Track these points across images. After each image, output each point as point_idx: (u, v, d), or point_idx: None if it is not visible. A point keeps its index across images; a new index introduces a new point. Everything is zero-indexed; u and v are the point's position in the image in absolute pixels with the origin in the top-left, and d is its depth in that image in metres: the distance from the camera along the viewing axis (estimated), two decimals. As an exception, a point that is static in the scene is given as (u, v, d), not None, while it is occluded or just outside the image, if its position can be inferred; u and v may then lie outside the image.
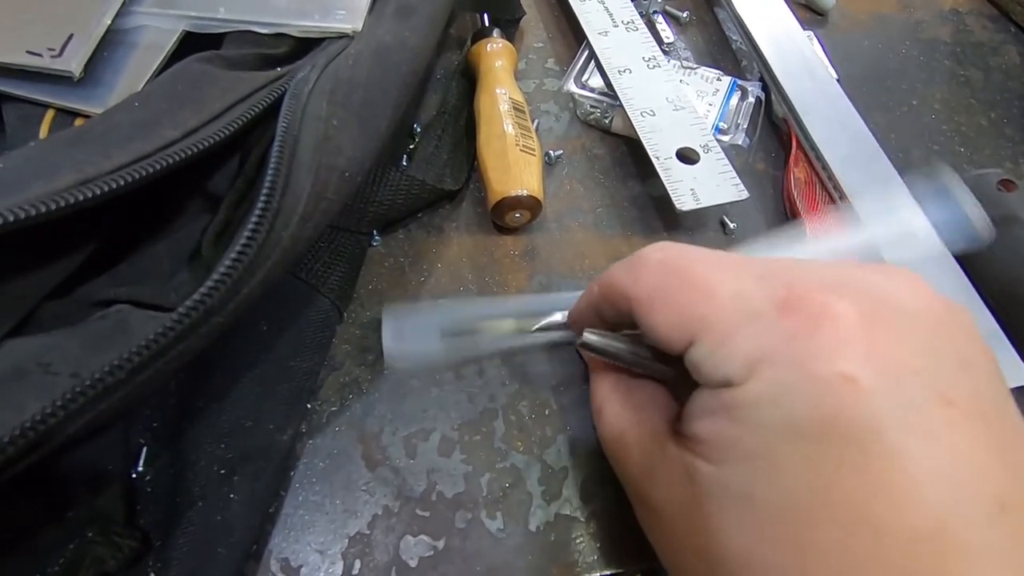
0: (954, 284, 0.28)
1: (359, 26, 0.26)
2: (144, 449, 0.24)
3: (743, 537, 0.15)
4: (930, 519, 0.13)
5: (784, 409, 0.14)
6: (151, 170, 0.18)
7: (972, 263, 0.28)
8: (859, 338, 0.14)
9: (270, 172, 0.18)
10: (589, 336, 0.21)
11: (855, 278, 0.16)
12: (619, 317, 0.21)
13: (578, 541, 0.24)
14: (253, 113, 0.21)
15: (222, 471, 0.23)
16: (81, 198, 0.16)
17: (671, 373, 0.21)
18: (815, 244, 0.28)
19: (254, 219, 0.17)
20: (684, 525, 0.17)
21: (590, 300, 0.23)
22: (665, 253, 0.19)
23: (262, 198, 0.17)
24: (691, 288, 0.17)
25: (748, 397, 0.15)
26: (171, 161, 0.18)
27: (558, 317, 0.27)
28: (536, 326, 0.27)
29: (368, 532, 0.24)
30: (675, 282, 0.18)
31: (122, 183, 0.17)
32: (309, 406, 0.26)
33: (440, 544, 0.24)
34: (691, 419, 0.17)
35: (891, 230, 0.28)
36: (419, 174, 0.29)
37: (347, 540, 0.24)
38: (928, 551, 0.13)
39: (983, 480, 0.13)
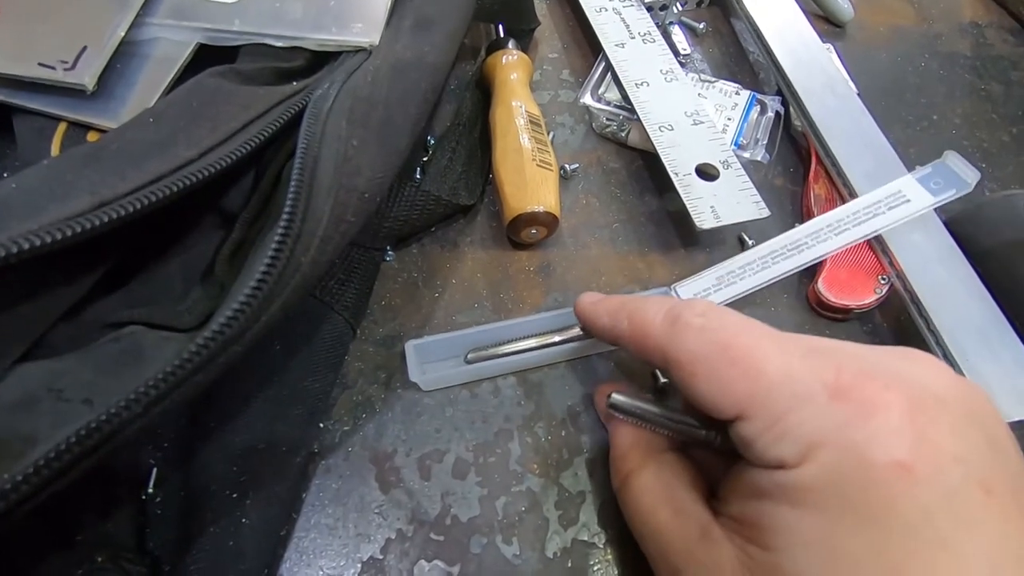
0: (942, 244, 0.29)
1: (376, 40, 0.25)
2: (154, 470, 0.23)
3: None
4: None
5: (843, 494, 0.15)
6: (167, 192, 0.18)
7: (1001, 287, 0.27)
8: (909, 426, 0.15)
9: (290, 196, 0.17)
10: (619, 398, 0.21)
11: (891, 364, 0.17)
12: (643, 360, 0.21)
13: (596, 568, 0.24)
14: (270, 132, 0.21)
15: (234, 495, 0.22)
16: (97, 223, 0.16)
17: (714, 439, 0.20)
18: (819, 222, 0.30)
19: (274, 245, 0.16)
20: None
21: (617, 331, 0.22)
22: (707, 320, 0.19)
23: (282, 223, 0.17)
24: (739, 363, 0.17)
25: (805, 481, 0.15)
26: (187, 183, 0.18)
27: (578, 331, 0.27)
28: (557, 339, 0.27)
29: (381, 557, 0.24)
30: (720, 353, 0.18)
31: (138, 206, 0.17)
32: (322, 426, 0.26)
33: (455, 570, 0.23)
34: (740, 500, 0.17)
35: (882, 193, 0.30)
36: (433, 188, 0.29)
37: (360, 565, 0.23)
38: None
39: (1021, 567, 0.14)
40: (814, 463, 0.15)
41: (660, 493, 0.20)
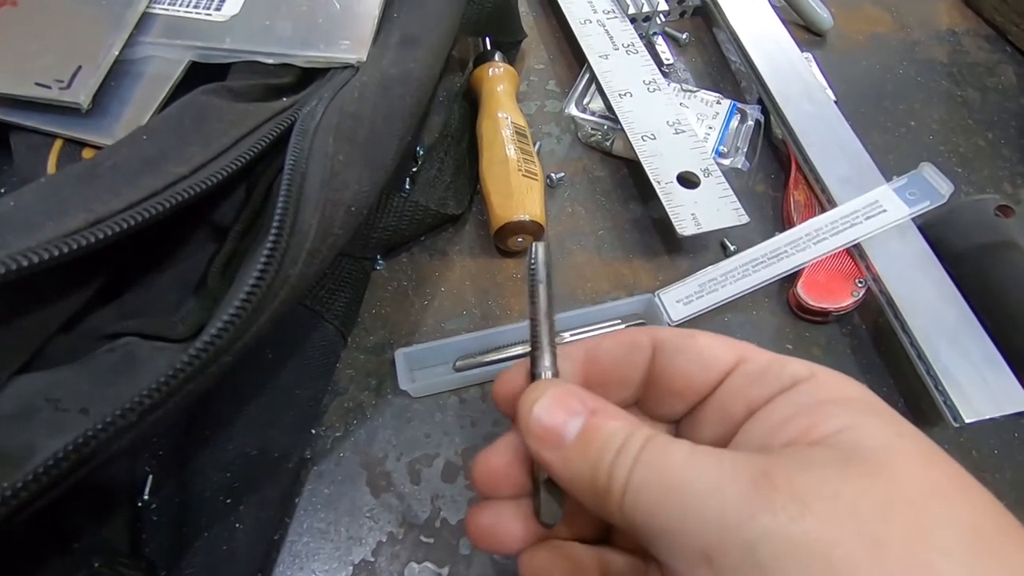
0: (916, 249, 0.30)
1: (363, 56, 0.26)
2: (150, 477, 0.24)
3: None
4: None
5: None
6: (160, 209, 0.18)
7: (973, 289, 0.28)
8: None
9: (278, 210, 0.18)
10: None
11: None
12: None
13: (582, 568, 0.24)
14: (260, 147, 0.22)
15: (227, 500, 0.23)
16: (92, 240, 0.16)
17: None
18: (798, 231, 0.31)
19: (263, 259, 0.17)
20: None
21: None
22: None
23: (271, 237, 0.17)
24: None
25: None
26: (180, 199, 0.19)
27: (566, 337, 0.28)
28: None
29: (373, 559, 0.24)
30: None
31: (132, 223, 0.17)
32: (313, 432, 0.26)
33: (444, 571, 0.24)
34: None
35: (860, 203, 0.31)
36: (422, 198, 0.30)
37: (352, 568, 0.24)
38: None
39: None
40: None
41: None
